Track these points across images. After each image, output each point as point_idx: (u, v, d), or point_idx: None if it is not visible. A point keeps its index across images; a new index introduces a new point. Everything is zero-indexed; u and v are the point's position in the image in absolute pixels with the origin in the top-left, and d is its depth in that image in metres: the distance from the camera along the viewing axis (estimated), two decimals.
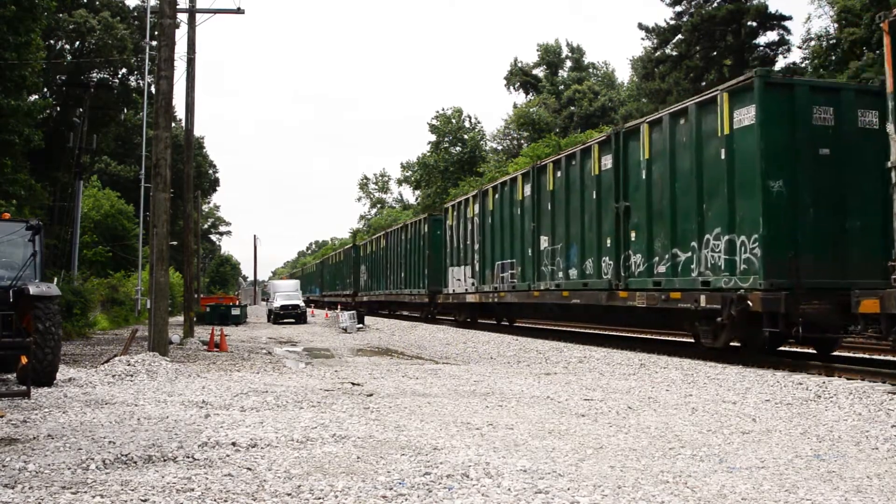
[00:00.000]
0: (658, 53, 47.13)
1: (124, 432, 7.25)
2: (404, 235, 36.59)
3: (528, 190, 21.28)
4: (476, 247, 25.50)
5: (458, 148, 69.69)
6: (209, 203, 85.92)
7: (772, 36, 43.04)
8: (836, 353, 14.75)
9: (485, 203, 24.86)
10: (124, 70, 37.94)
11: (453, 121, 70.59)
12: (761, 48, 42.63)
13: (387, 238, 40.95)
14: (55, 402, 9.28)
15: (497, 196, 23.70)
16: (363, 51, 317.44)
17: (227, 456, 6.26)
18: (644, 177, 15.37)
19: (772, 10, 41.57)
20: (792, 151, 12.40)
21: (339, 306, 50.31)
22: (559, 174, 19.30)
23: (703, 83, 41.19)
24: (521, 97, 75.94)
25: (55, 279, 19.20)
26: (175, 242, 39.44)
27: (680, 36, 44.90)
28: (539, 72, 74.32)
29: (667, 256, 14.63)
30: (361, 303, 47.27)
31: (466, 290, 26.29)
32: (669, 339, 19.26)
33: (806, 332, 11.77)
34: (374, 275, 44.59)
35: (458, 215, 27.89)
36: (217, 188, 71.17)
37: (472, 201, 26.33)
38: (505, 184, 23.38)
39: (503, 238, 22.86)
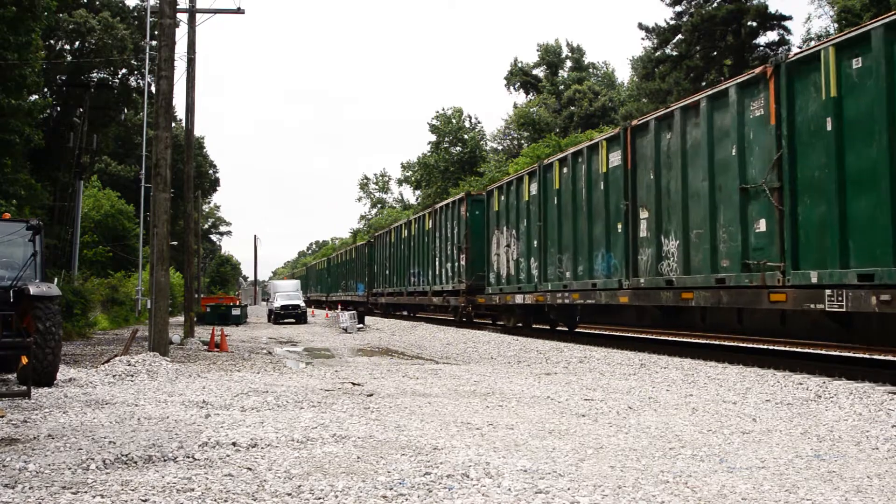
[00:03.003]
0: (658, 53, 47.17)
1: (124, 432, 7.25)
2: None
3: None
4: None
5: (458, 148, 69.79)
6: (209, 203, 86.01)
7: (772, 36, 43.12)
8: (835, 353, 14.74)
9: None
10: (124, 70, 38.01)
11: (453, 121, 70.71)
12: (761, 48, 42.65)
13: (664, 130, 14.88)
14: (55, 402, 9.28)
15: None
16: (363, 51, 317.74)
17: (228, 456, 6.26)
18: None
19: (772, 10, 41.67)
20: None
21: (410, 312, 33.43)
22: None
23: (704, 83, 41.21)
24: (521, 97, 76.07)
25: (55, 279, 19.20)
26: (175, 242, 39.49)
27: (680, 36, 44.94)
28: (539, 72, 74.33)
29: None
30: (504, 306, 23.19)
31: None
32: None
33: None
34: (567, 243, 18.63)
35: None
36: (217, 188, 71.23)
37: None
38: None
39: None
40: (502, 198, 23.44)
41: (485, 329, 25.74)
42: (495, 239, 23.86)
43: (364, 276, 46.46)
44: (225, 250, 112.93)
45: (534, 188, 20.93)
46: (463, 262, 26.44)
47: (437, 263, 30.06)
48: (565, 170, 18.91)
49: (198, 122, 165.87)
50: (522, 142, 64.66)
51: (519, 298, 21.46)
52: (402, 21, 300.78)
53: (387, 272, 39.93)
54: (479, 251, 25.65)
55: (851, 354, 14.59)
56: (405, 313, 40.52)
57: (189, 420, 7.97)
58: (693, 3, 44.88)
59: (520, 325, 23.16)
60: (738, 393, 9.96)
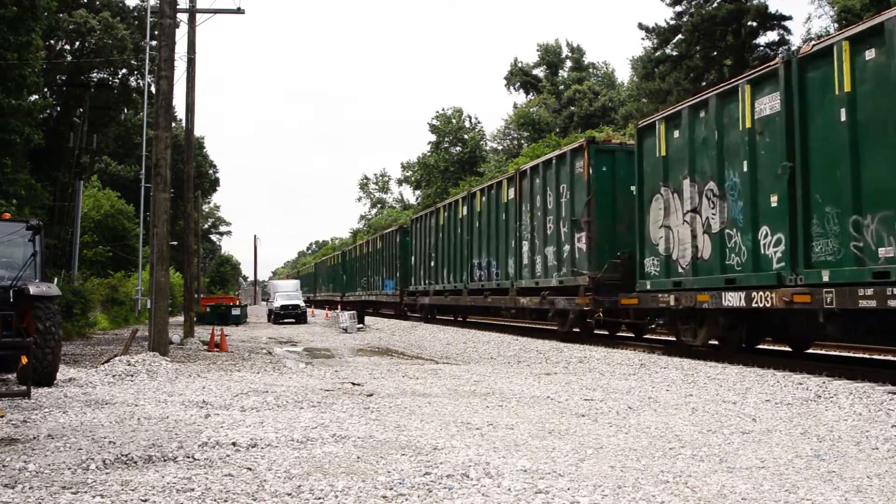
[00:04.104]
0: (658, 53, 47.18)
1: (124, 432, 7.25)
2: None
3: None
4: None
5: (458, 148, 69.86)
6: (209, 203, 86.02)
7: (772, 36, 43.12)
8: (835, 353, 14.74)
9: None
10: (124, 70, 38.03)
11: (453, 121, 70.78)
12: (761, 48, 42.65)
13: None
14: (55, 402, 9.28)
15: None
16: (363, 51, 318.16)
17: (228, 456, 6.25)
18: None
19: (772, 10, 41.68)
20: None
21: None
22: None
23: (704, 83, 41.21)
24: (521, 97, 76.19)
25: (55, 279, 19.22)
26: (175, 242, 39.49)
27: (680, 36, 44.95)
28: (539, 72, 74.39)
29: None
30: (686, 311, 14.50)
31: None
32: None
33: None
34: (878, 191, 10.24)
35: None
36: (217, 188, 71.28)
37: None
38: None
39: None
40: (675, 134, 14.80)
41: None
42: (657, 204, 15.47)
43: (395, 271, 36.74)
44: (225, 250, 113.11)
45: (763, 106, 12.40)
46: (583, 245, 17.91)
47: (524, 248, 21.36)
48: (869, 54, 10.39)
49: (198, 122, 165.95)
50: (522, 142, 64.71)
51: (731, 299, 12.77)
52: (402, 21, 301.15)
53: (431, 264, 30.61)
54: (607, 228, 17.65)
55: (851, 354, 14.60)
56: (457, 318, 31.55)
57: (189, 420, 7.97)
58: (693, 3, 44.88)
59: (713, 341, 14.61)
60: (738, 393, 9.96)
